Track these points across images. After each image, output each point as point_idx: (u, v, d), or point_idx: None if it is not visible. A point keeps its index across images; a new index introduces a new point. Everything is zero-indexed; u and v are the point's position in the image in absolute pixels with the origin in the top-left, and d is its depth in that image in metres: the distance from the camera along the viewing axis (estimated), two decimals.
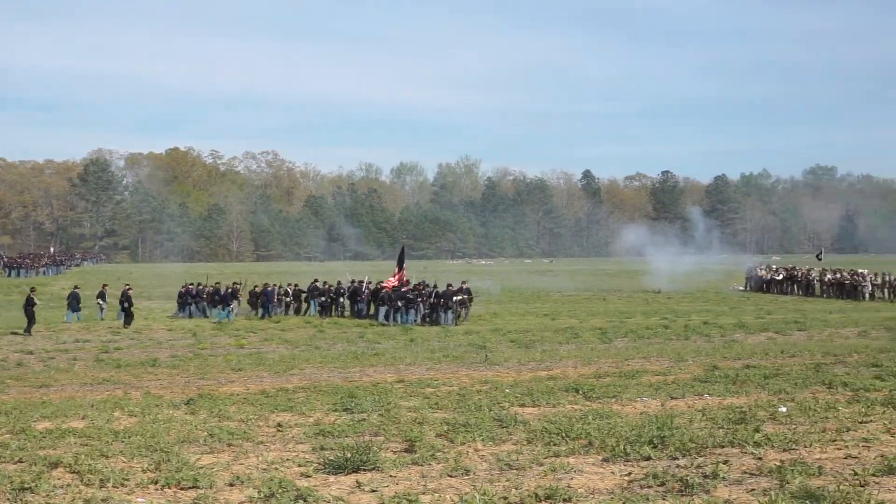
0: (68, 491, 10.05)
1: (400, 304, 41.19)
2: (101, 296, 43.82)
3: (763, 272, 67.48)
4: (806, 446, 11.47)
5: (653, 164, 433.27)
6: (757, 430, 12.45)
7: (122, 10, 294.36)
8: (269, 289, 45.39)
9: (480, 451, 11.92)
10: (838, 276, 58.06)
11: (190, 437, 13.61)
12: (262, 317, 43.46)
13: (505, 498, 9.36)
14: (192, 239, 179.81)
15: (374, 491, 9.87)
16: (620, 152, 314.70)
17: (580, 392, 17.80)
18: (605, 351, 28.41)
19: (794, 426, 13.03)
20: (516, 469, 10.72)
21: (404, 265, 47.22)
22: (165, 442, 12.99)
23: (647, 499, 9.17)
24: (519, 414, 14.92)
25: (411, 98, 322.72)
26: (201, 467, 11.00)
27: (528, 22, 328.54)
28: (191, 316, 44.33)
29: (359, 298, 44.73)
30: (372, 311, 43.86)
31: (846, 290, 55.89)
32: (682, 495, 9.26)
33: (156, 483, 10.37)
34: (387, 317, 41.21)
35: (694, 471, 10.13)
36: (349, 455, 10.93)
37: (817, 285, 59.97)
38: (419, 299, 41.51)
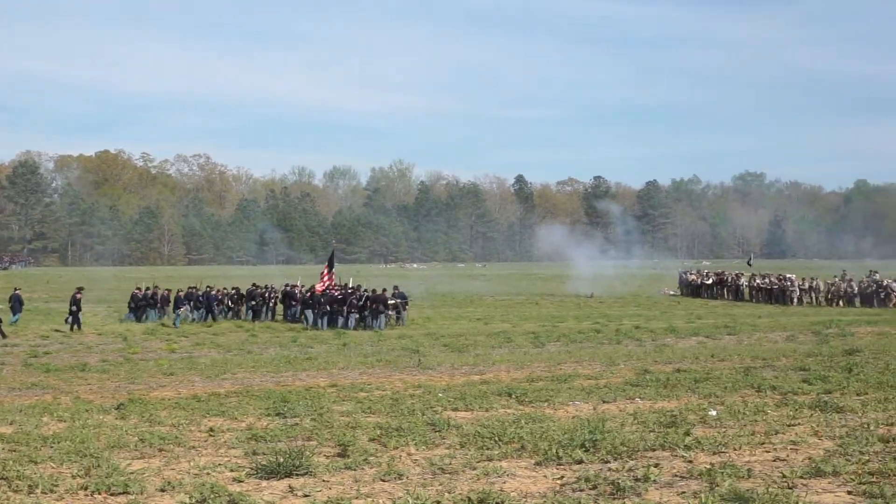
0: None
1: (329, 308, 40.98)
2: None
3: (693, 277, 68.17)
4: (735, 449, 11.60)
5: (585, 169, 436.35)
6: (687, 434, 12.58)
7: (50, 11, 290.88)
8: (213, 293, 45.21)
9: (413, 456, 11.94)
10: (767, 281, 58.80)
11: (120, 442, 13.48)
12: (204, 320, 43.34)
13: (438, 502, 9.38)
14: (122, 242, 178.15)
15: (306, 496, 9.85)
16: (552, 157, 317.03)
17: (513, 396, 17.85)
18: (538, 355, 28.50)
19: (723, 429, 13.17)
20: (449, 473, 10.74)
21: (334, 269, 47.04)
22: (95, 447, 12.85)
23: (580, 502, 9.24)
24: (452, 418, 14.95)
25: (344, 102, 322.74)
26: (132, 473, 10.91)
27: (460, 26, 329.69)
28: (144, 320, 43.78)
29: (293, 303, 44.48)
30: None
31: (774, 294, 56.61)
32: (614, 498, 9.34)
33: (85, 489, 10.27)
34: (316, 321, 41.07)
35: (625, 474, 10.22)
36: (282, 460, 10.90)
37: (746, 290, 60.75)
38: (354, 303, 41.26)
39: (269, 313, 45.22)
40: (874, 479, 9.64)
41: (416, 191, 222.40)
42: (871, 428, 12.79)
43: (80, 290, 41.19)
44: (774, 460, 10.91)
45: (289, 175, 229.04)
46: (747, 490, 9.17)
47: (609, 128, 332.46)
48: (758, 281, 59.64)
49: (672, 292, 68.53)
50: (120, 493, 10.07)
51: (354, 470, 11.09)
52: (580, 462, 11.07)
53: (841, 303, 53.22)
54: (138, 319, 43.71)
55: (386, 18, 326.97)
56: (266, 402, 18.06)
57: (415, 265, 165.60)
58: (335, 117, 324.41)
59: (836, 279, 56.08)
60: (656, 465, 10.57)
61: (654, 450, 11.70)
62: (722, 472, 9.98)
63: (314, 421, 15.23)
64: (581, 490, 9.70)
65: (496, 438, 12.65)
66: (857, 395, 16.69)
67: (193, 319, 42.99)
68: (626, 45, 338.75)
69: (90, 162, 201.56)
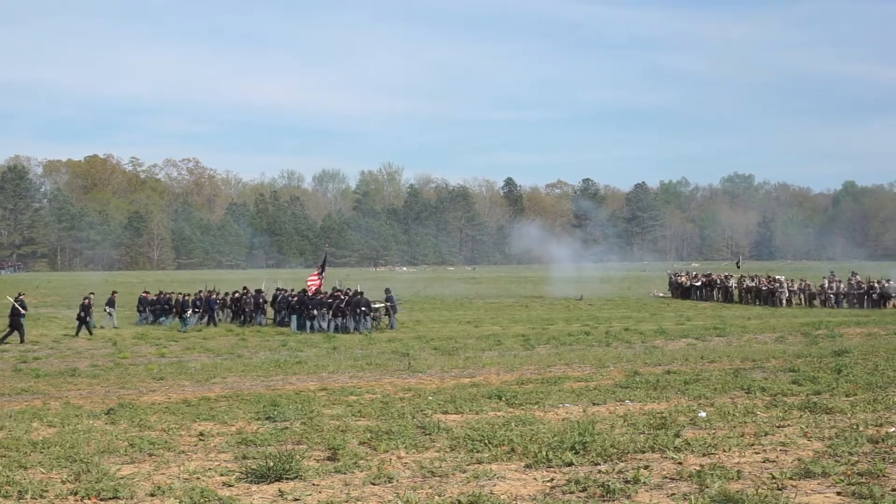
0: None
1: (316, 311, 40.89)
2: (111, 303, 43.97)
3: (683, 279, 68.32)
4: (725, 451, 11.61)
5: (574, 171, 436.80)
6: (677, 436, 12.59)
7: (37, 14, 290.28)
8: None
9: (403, 459, 11.93)
10: (756, 282, 58.94)
11: (110, 447, 13.45)
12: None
13: None
14: (112, 247, 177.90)
15: (296, 500, 9.84)
16: (542, 160, 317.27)
17: (503, 399, 17.85)
18: (528, 358, 28.50)
19: (713, 431, 13.19)
20: (439, 476, 10.74)
21: (323, 273, 47.02)
22: (85, 452, 12.83)
23: None
24: (442, 421, 14.94)
25: (333, 105, 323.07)
26: (122, 478, 10.88)
27: (450, 29, 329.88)
28: (157, 323, 44.06)
29: (281, 307, 44.43)
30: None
31: (763, 296, 56.75)
32: (604, 501, 9.34)
33: (75, 494, 10.23)
34: (300, 325, 41.06)
35: (615, 476, 10.22)
36: (272, 464, 10.88)
37: (736, 291, 60.91)
38: (330, 304, 41.19)
39: (256, 317, 45.16)
40: (863, 480, 9.66)
41: (406, 194, 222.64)
42: (860, 429, 12.81)
43: (88, 297, 41.15)
44: (764, 462, 10.92)
45: (278, 179, 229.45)
46: (737, 491, 9.18)
47: (598, 130, 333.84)
48: (747, 282, 59.79)
49: (661, 294, 68.68)
50: (110, 499, 10.04)
51: (344, 474, 11.08)
52: (570, 464, 11.07)
53: (830, 304, 53.37)
54: (152, 322, 44.03)
55: (376, 22, 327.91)
56: (256, 406, 18.03)
57: (404, 268, 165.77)
58: (324, 121, 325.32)
59: (826, 280, 56.26)
60: (646, 467, 10.58)
61: (643, 452, 11.71)
62: (711, 474, 9.99)
63: (304, 425, 15.21)
64: (571, 492, 9.69)
65: (486, 441, 12.64)
66: (847, 396, 16.71)
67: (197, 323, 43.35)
68: (615, 48, 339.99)
69: (79, 167, 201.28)
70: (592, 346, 32.27)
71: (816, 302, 54.85)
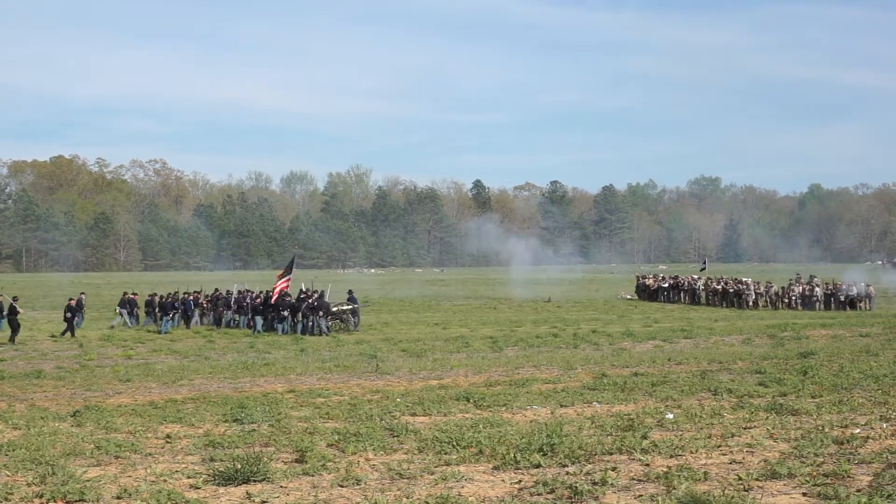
0: None
1: (285, 313, 40.81)
2: (122, 303, 43.90)
3: (650, 281, 68.60)
4: (692, 452, 11.67)
5: (542, 173, 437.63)
6: (644, 437, 12.64)
7: (1, 16, 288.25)
8: (190, 298, 45.25)
9: (371, 461, 11.92)
10: (722, 284, 59.22)
11: (76, 449, 13.37)
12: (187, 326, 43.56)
13: None
14: (78, 248, 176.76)
15: (264, 502, 9.82)
16: (510, 162, 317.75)
17: (471, 401, 17.87)
18: (496, 360, 28.51)
19: (680, 433, 13.26)
20: (407, 478, 10.74)
21: (290, 275, 46.88)
22: (51, 455, 12.75)
23: None
24: (410, 423, 14.94)
25: (301, 106, 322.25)
26: (88, 480, 10.83)
27: (416, 32, 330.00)
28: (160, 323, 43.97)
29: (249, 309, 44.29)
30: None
31: (730, 298, 57.02)
32: (572, 502, 9.37)
33: (41, 497, 10.18)
34: (267, 327, 41.01)
35: (583, 478, 10.26)
36: (239, 466, 10.85)
37: (702, 294, 61.18)
38: (288, 305, 41.13)
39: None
40: (829, 481, 9.74)
41: (374, 196, 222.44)
42: (826, 430, 12.91)
43: (79, 297, 40.95)
44: (731, 463, 10.98)
45: (246, 180, 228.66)
46: (704, 493, 9.23)
47: (565, 133, 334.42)
48: (715, 285, 60.07)
49: (629, 296, 68.93)
50: (76, 501, 9.99)
51: (312, 476, 11.06)
52: (538, 466, 11.10)
53: (798, 306, 53.74)
54: (155, 321, 44.14)
55: (344, 24, 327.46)
56: (223, 408, 17.98)
57: (373, 270, 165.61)
58: (292, 122, 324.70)
59: (792, 282, 56.63)
60: (614, 469, 10.62)
61: (611, 453, 11.75)
62: (679, 475, 10.05)
63: (272, 427, 15.18)
64: (539, 494, 9.72)
65: (454, 443, 12.65)
66: (812, 397, 16.84)
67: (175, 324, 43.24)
68: (582, 51, 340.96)
69: (44, 167, 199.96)
70: (560, 348, 32.32)
71: (780, 305, 55.25)
